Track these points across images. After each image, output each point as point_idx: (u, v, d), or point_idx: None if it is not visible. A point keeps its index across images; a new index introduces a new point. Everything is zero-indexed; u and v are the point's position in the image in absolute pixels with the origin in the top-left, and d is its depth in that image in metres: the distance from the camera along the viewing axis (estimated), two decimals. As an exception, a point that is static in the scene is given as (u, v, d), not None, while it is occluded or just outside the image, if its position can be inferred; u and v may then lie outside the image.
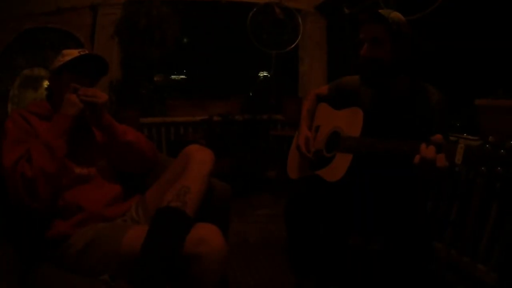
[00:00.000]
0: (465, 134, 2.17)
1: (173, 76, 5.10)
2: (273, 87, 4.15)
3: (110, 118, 1.48)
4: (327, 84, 1.87)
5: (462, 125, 2.39)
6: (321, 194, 1.52)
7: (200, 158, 1.36)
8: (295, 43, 4.03)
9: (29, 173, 1.20)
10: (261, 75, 5.26)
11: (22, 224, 1.34)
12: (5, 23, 3.36)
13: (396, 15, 1.44)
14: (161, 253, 1.11)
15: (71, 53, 1.46)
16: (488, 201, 1.87)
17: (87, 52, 1.48)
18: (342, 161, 1.51)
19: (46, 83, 1.52)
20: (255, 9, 3.90)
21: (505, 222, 1.80)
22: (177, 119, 3.74)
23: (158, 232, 1.16)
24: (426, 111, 1.46)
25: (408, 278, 1.37)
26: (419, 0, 2.52)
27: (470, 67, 2.56)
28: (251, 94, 4.65)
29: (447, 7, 2.43)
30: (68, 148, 1.35)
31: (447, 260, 2.05)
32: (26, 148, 1.27)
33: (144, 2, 3.55)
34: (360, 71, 1.54)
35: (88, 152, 1.50)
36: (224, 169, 3.21)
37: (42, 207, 1.25)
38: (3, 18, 3.34)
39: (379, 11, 1.44)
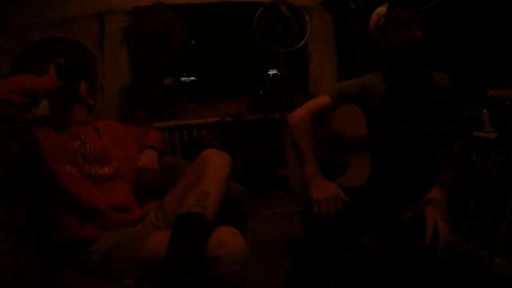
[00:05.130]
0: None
1: (182, 78, 5.11)
2: (283, 85, 4.15)
3: None
4: (320, 97, 1.67)
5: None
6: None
7: (217, 163, 1.38)
8: (303, 40, 4.03)
9: None
10: (271, 73, 5.24)
11: (44, 227, 1.38)
12: (13, 36, 3.40)
13: None
14: (186, 259, 1.13)
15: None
16: (505, 193, 1.86)
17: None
18: (360, 162, 1.50)
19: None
20: (261, 8, 3.90)
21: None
22: (190, 122, 3.74)
23: (181, 237, 1.18)
24: (438, 95, 1.47)
25: (424, 273, 1.36)
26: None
27: (482, 56, 2.53)
28: (261, 93, 4.64)
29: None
30: (83, 149, 1.48)
31: (464, 254, 2.03)
32: None
33: (149, 8, 3.57)
34: (406, 54, 1.45)
35: (103, 151, 1.55)
36: (238, 169, 3.22)
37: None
38: (11, 31, 3.39)
39: None
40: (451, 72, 1.56)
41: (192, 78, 5.10)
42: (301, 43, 4.03)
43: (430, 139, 1.41)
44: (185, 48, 3.83)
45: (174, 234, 1.19)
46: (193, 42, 4.51)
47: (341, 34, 4.09)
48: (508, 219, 1.85)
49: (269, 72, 5.15)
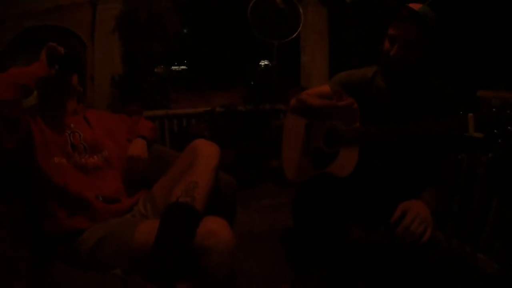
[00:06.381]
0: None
1: (173, 67, 5.08)
2: (275, 77, 4.14)
3: None
4: (321, 85, 1.72)
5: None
6: (331, 187, 1.51)
7: (206, 153, 1.38)
8: (296, 33, 4.01)
9: None
10: (262, 64, 5.24)
11: (35, 219, 1.38)
12: (5, 22, 3.34)
13: (432, 15, 1.37)
14: (173, 248, 1.14)
15: None
16: (490, 191, 1.88)
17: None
18: (349, 154, 1.52)
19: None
20: (255, -1, 3.88)
21: (506, 212, 1.82)
22: (180, 111, 3.72)
23: (169, 227, 1.19)
24: (435, 104, 1.46)
25: (409, 268, 1.38)
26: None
27: (473, 58, 2.55)
28: (252, 84, 4.62)
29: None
30: (73, 138, 1.48)
31: (448, 250, 2.06)
32: None
33: (144, -4, 3.54)
34: (386, 67, 1.48)
35: (93, 141, 1.55)
36: (228, 160, 3.22)
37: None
38: (3, 17, 3.32)
39: (419, 9, 1.34)
40: (444, 72, 1.56)
41: (183, 67, 5.08)
42: (294, 35, 4.01)
43: (418, 139, 1.42)
44: (178, 37, 3.81)
45: (162, 224, 1.19)
46: (185, 31, 4.49)
47: (336, 28, 4.09)
48: (493, 217, 1.88)
49: (260, 63, 5.14)
